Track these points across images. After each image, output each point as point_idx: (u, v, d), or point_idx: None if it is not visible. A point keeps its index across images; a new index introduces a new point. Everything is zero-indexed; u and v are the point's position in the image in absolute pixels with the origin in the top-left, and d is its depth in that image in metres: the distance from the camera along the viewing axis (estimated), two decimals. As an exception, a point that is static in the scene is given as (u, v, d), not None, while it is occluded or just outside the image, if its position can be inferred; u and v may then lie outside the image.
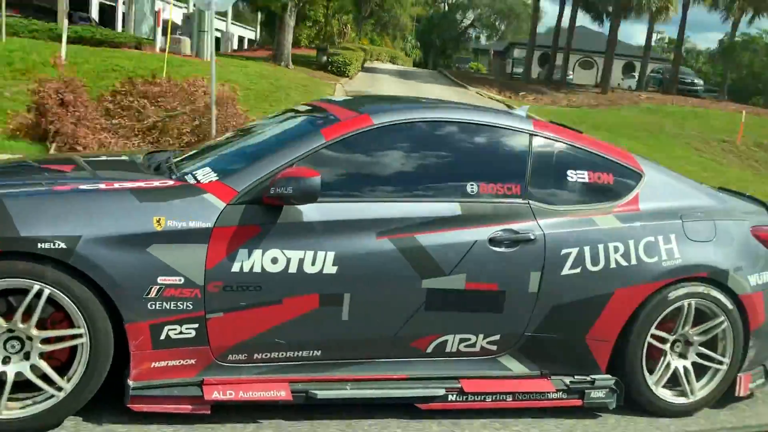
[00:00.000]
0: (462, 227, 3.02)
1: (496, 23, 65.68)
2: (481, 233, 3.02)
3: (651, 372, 3.34)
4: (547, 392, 3.18)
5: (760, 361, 3.61)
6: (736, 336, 3.38)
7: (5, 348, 2.58)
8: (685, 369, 3.40)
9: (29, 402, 2.59)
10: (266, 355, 2.86)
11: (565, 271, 3.12)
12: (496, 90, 27.95)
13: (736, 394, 3.49)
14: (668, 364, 3.37)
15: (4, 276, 2.50)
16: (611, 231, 3.22)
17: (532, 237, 3.08)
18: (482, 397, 3.11)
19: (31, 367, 2.58)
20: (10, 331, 2.57)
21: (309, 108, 3.58)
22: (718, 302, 3.33)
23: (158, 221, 2.63)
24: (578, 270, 3.14)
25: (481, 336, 3.10)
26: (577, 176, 3.30)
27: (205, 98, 8.91)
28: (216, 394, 2.76)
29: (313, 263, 2.79)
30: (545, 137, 3.31)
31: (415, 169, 3.13)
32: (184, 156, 3.43)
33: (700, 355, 3.41)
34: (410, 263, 2.92)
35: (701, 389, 3.43)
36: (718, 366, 3.42)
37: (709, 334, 3.39)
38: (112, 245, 2.56)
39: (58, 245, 2.50)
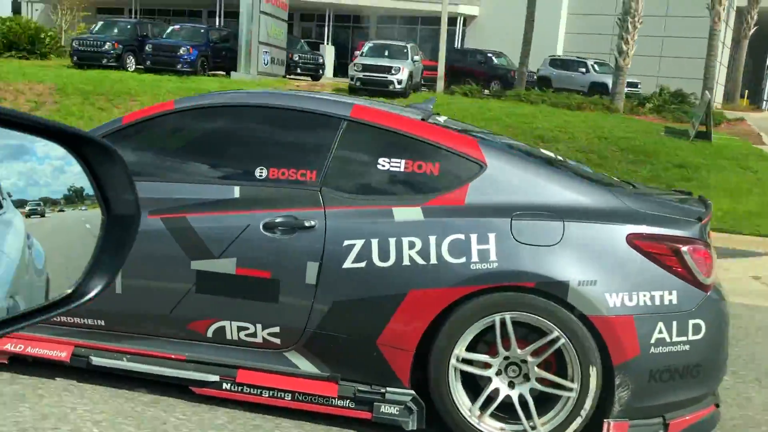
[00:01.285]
0: (236, 211, 2.95)
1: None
2: (255, 218, 2.91)
3: (474, 396, 2.82)
4: (331, 397, 2.89)
5: (653, 411, 2.79)
6: (583, 360, 2.69)
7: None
8: (521, 397, 2.79)
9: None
10: (61, 318, 3.12)
11: (348, 264, 2.82)
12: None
13: None
14: (496, 390, 2.81)
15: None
16: (409, 225, 2.83)
17: (309, 225, 2.86)
18: (258, 390, 2.95)
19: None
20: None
21: None
22: (551, 316, 2.69)
23: None
24: (363, 264, 2.81)
25: (259, 326, 2.95)
26: (390, 165, 2.97)
27: None
28: (8, 346, 3.10)
29: None
30: (360, 123, 3.05)
31: (203, 152, 3.16)
32: None
33: (540, 380, 2.78)
34: (179, 243, 2.94)
35: (546, 423, 2.77)
36: (567, 393, 2.74)
37: (543, 355, 2.74)
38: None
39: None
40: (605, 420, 2.74)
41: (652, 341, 2.67)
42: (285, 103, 3.22)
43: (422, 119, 3.19)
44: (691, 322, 2.71)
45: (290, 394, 2.93)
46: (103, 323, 3.09)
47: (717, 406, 2.96)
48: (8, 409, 2.91)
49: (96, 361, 3.05)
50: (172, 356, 3.04)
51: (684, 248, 2.72)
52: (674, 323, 2.69)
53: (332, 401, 2.90)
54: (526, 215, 2.81)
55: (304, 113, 3.13)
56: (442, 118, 3.56)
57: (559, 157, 3.68)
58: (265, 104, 3.23)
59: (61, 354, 3.07)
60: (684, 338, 2.70)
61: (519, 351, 2.77)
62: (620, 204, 2.91)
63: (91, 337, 3.11)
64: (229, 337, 3.00)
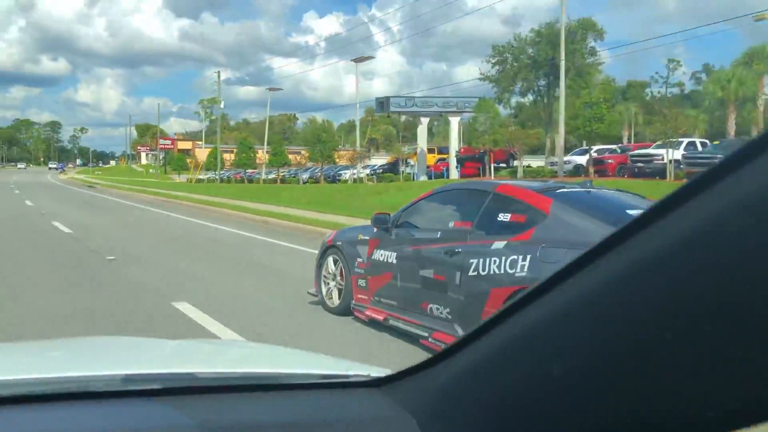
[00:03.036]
0: (435, 245, 5.34)
1: None
2: (442, 249, 5.25)
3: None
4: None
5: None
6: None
7: None
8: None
9: None
10: (381, 299, 6.06)
11: (470, 273, 4.92)
12: None
13: None
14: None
15: None
16: (497, 251, 4.74)
17: (457, 251, 5.06)
18: (441, 344, 5.23)
19: None
20: None
21: None
22: None
23: None
24: (475, 273, 4.87)
25: (442, 307, 5.22)
26: (503, 216, 4.92)
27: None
28: (369, 313, 6.22)
29: None
30: (496, 194, 5.10)
31: (431, 215, 5.62)
32: None
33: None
34: (416, 262, 5.55)
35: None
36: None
37: None
38: None
39: None
40: None
41: None
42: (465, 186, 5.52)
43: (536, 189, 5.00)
44: None
45: (454, 347, 5.17)
46: (394, 303, 5.91)
47: None
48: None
49: (391, 321, 5.88)
50: (416, 322, 5.62)
51: None
52: None
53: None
54: (549, 246, 4.41)
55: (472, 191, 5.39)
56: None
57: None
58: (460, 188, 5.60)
59: (380, 317, 6.02)
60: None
61: None
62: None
63: (390, 309, 5.95)
64: (433, 313, 5.41)
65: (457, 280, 4.97)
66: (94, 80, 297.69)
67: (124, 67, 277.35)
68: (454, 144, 37.99)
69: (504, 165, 35.05)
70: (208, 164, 63.06)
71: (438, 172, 37.67)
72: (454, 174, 35.38)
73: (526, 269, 4.43)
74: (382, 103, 38.88)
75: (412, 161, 41.08)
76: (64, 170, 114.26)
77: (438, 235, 5.42)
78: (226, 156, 76.93)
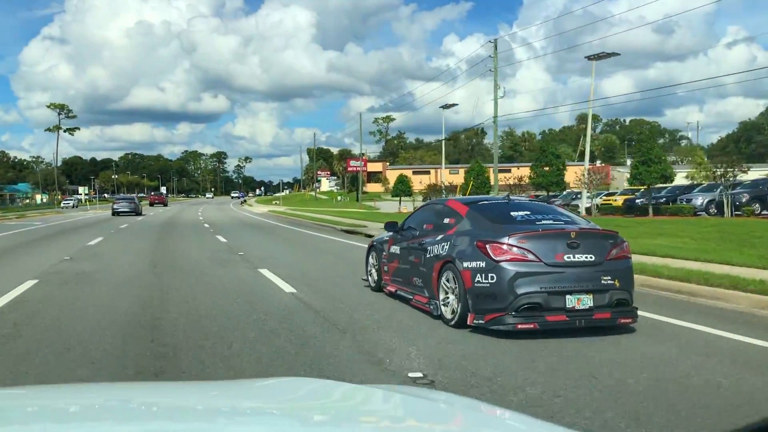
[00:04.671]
0: (424, 238, 8.43)
1: None
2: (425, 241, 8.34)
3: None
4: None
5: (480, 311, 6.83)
6: (457, 282, 7.03)
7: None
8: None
9: None
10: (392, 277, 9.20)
11: (429, 254, 8.00)
12: None
13: None
14: (447, 297, 7.40)
15: None
16: (439, 240, 7.77)
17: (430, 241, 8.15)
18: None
19: None
20: None
21: None
22: (454, 269, 7.16)
23: None
24: (431, 255, 7.95)
25: (419, 284, 8.31)
26: (447, 219, 7.98)
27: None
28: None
29: None
30: (447, 206, 8.07)
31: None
32: None
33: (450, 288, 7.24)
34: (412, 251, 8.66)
35: (447, 304, 7.21)
36: (452, 296, 7.12)
37: (451, 279, 7.18)
38: None
39: None
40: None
41: (477, 280, 6.84)
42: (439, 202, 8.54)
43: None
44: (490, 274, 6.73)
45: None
46: (400, 280, 9.01)
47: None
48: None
49: (398, 292, 8.97)
50: (408, 290, 8.69)
51: (488, 245, 6.79)
52: (483, 274, 6.78)
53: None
54: (458, 236, 7.36)
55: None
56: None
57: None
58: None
59: (393, 290, 9.15)
60: (487, 281, 6.74)
61: (450, 282, 7.30)
62: (479, 230, 7.06)
63: (398, 284, 9.05)
64: (415, 284, 8.44)
65: (422, 261, 8.04)
66: (250, 114, 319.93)
67: (277, 100, 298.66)
68: None
69: None
70: (396, 189, 55.36)
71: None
72: None
73: (446, 250, 7.45)
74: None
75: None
76: (245, 199, 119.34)
77: (418, 234, 8.53)
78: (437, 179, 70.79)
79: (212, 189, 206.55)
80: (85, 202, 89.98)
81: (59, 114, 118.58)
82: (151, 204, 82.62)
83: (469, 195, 53.92)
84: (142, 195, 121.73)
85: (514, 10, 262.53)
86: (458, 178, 62.44)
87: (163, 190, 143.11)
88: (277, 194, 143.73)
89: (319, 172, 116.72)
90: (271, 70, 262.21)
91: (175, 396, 2.10)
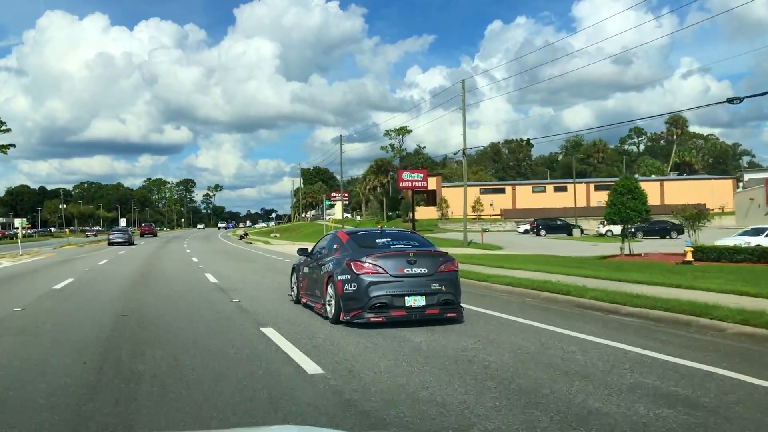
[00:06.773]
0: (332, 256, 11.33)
1: None
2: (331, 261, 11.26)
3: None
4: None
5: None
6: (330, 285, 9.91)
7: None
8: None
9: None
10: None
11: (323, 271, 10.91)
12: None
13: None
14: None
15: None
16: (331, 260, 10.71)
17: (324, 262, 11.08)
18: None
19: None
20: None
21: None
22: (332, 278, 10.03)
23: None
24: (323, 272, 10.89)
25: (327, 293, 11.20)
26: (336, 246, 10.96)
27: None
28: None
29: None
30: (336, 235, 11.00)
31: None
32: None
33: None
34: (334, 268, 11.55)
35: (329, 306, 10.06)
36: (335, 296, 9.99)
37: (331, 285, 10.06)
38: None
39: None
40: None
41: (345, 288, 9.74)
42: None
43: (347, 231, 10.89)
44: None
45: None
46: (309, 293, 11.91)
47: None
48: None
49: (308, 303, 11.82)
50: (312, 300, 11.57)
51: (352, 263, 9.71)
52: (349, 283, 9.68)
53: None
54: (339, 257, 10.27)
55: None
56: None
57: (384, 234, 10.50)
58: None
59: (305, 301, 12.03)
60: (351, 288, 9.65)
61: (330, 290, 10.19)
62: (352, 253, 10.00)
63: (308, 297, 11.94)
64: (317, 294, 11.29)
65: (319, 276, 10.97)
66: (214, 146, 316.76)
67: (241, 131, 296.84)
68: None
69: None
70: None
71: None
72: None
73: (331, 267, 10.39)
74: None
75: None
76: (245, 233, 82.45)
77: (319, 257, 11.46)
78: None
79: (177, 222, 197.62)
80: (14, 238, 62.10)
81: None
82: (142, 235, 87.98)
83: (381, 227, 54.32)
84: (132, 227, 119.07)
85: (476, 43, 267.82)
86: (601, 195, 55.00)
87: (123, 222, 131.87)
88: (280, 224, 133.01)
89: (333, 195, 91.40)
90: (234, 101, 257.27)
91: None
